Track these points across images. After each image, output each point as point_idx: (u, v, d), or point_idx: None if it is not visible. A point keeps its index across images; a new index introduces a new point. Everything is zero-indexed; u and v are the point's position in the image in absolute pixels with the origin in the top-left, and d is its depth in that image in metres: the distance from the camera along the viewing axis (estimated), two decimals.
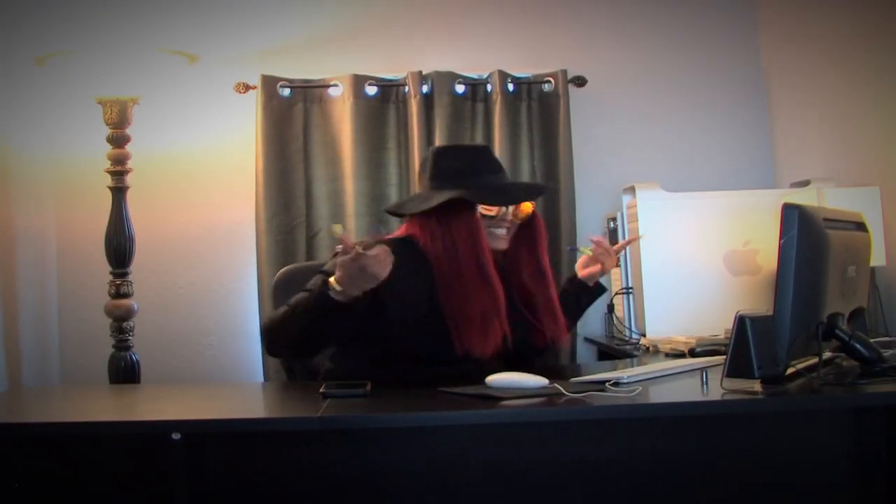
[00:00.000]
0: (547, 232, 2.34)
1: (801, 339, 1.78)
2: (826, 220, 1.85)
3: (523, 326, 2.26)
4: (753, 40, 3.63)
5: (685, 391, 1.98)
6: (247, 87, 3.39)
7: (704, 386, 1.84)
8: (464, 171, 2.24)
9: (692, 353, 2.44)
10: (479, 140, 3.43)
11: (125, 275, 3.11)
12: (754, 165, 3.58)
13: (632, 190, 2.97)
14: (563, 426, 1.89)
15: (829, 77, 3.17)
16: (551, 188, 2.42)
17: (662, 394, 1.94)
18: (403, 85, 3.41)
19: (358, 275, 1.91)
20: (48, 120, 3.33)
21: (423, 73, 3.39)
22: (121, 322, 3.11)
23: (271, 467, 1.84)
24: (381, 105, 3.42)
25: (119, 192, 3.10)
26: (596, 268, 2.45)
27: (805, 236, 1.76)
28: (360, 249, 1.87)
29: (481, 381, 1.94)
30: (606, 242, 2.46)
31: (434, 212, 2.18)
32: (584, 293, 2.48)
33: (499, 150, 3.38)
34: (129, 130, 3.10)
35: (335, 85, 3.40)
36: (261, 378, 3.26)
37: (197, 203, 3.43)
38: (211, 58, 3.30)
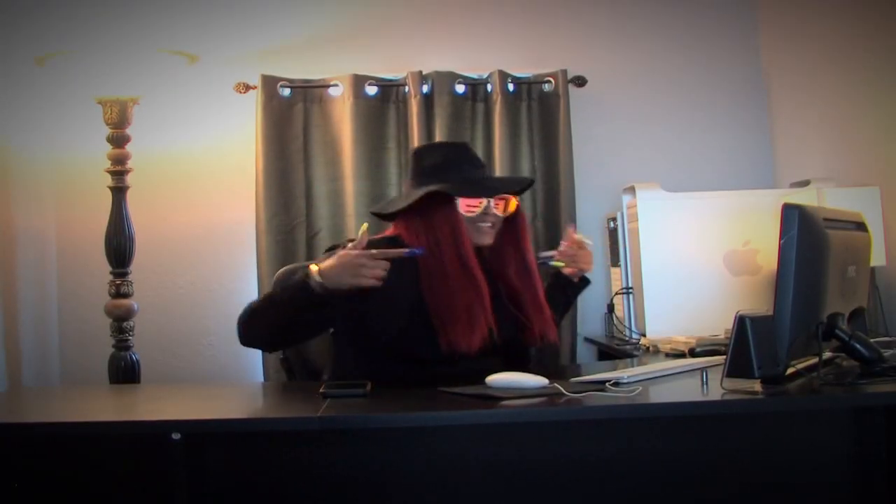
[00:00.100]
0: (530, 227, 2.36)
1: (801, 339, 1.78)
2: (826, 220, 1.85)
3: (514, 324, 2.26)
4: (753, 40, 3.63)
5: (685, 391, 1.98)
6: (247, 87, 3.39)
7: (704, 386, 1.84)
8: (443, 166, 2.25)
9: (692, 353, 2.44)
10: (479, 140, 3.43)
11: (125, 275, 3.11)
12: (754, 165, 3.58)
13: (632, 190, 2.97)
14: (563, 426, 1.89)
15: (829, 77, 3.17)
16: (531, 182, 2.40)
17: (662, 394, 1.94)
18: (403, 85, 3.41)
19: (351, 271, 1.95)
20: (48, 120, 3.33)
21: (424, 73, 3.39)
22: (121, 322, 3.11)
23: (271, 467, 1.84)
24: (382, 105, 3.42)
25: (119, 192, 3.10)
26: (572, 270, 2.44)
27: (805, 236, 1.76)
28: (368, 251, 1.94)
29: (481, 381, 1.94)
30: (573, 246, 2.42)
31: (416, 209, 2.20)
32: (570, 286, 2.48)
33: (499, 150, 3.38)
34: (129, 130, 3.10)
35: (335, 85, 3.40)
36: (261, 378, 3.26)
37: (197, 203, 3.43)
38: (211, 58, 3.30)
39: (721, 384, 1.78)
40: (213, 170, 3.42)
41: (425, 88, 3.38)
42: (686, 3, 3.62)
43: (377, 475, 1.87)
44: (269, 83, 3.36)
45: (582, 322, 3.44)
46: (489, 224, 2.23)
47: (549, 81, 3.46)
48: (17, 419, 2.01)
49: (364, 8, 3.51)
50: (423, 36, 3.54)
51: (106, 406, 2.22)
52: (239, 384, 3.20)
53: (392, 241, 2.20)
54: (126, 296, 3.11)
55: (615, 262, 3.18)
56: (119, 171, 3.08)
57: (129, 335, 3.13)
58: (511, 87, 3.44)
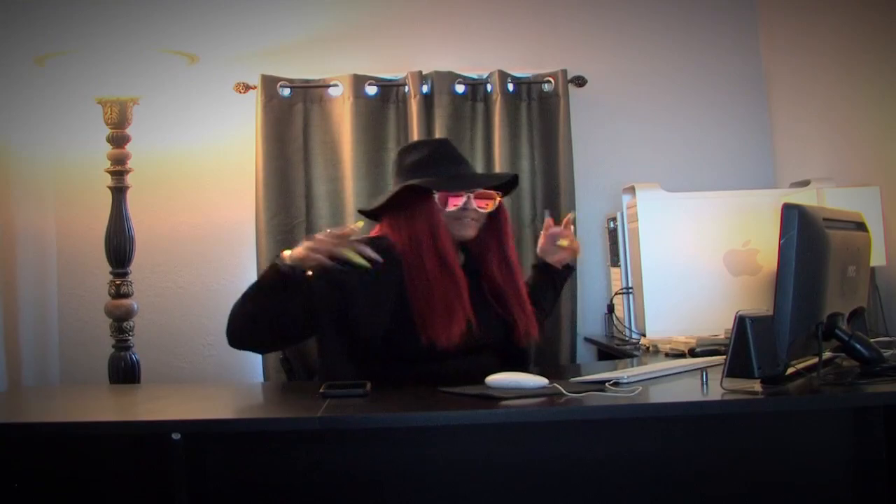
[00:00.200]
0: (511, 224, 2.38)
1: (801, 339, 1.78)
2: (826, 220, 1.85)
3: (500, 321, 2.27)
4: (753, 40, 3.63)
5: (685, 391, 1.98)
6: (247, 87, 3.39)
7: (704, 386, 1.84)
8: (424, 163, 2.27)
9: (692, 353, 2.44)
10: (479, 140, 3.43)
11: (125, 275, 3.11)
12: (754, 165, 3.58)
13: (632, 190, 2.97)
14: (563, 426, 1.89)
15: (829, 77, 3.17)
16: (513, 177, 2.40)
17: (662, 394, 1.94)
18: (403, 85, 3.41)
19: (307, 243, 2.00)
20: (48, 120, 3.33)
21: (423, 73, 3.39)
22: (121, 322, 3.11)
23: (271, 467, 1.84)
24: (381, 105, 3.42)
25: (119, 191, 3.10)
26: (565, 254, 2.46)
27: (805, 236, 1.76)
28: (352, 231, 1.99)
29: (472, 379, 1.94)
30: (563, 227, 2.46)
31: (397, 206, 2.23)
32: (558, 276, 2.50)
33: (499, 150, 3.38)
34: (129, 130, 3.10)
35: (335, 85, 3.40)
36: (261, 378, 3.27)
37: (197, 203, 3.43)
38: (211, 58, 3.30)
39: (721, 384, 1.78)
40: (213, 170, 3.42)
41: (425, 88, 3.38)
42: (686, 3, 3.62)
43: (377, 475, 1.87)
44: (269, 83, 3.36)
45: (582, 322, 3.44)
46: (469, 220, 2.24)
47: (549, 81, 3.46)
48: (17, 419, 2.01)
49: (364, 8, 3.51)
50: (423, 36, 3.54)
51: (106, 406, 2.22)
52: (239, 384, 3.20)
53: (377, 241, 2.21)
54: (126, 296, 3.11)
55: (615, 262, 3.18)
56: (119, 171, 3.08)
57: (129, 335, 3.13)
58: (511, 87, 3.44)
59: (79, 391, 2.81)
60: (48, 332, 3.34)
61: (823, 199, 2.83)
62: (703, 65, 3.61)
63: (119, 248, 3.08)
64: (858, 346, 1.90)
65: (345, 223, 3.32)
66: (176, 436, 1.69)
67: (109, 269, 3.11)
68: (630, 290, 3.07)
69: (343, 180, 3.37)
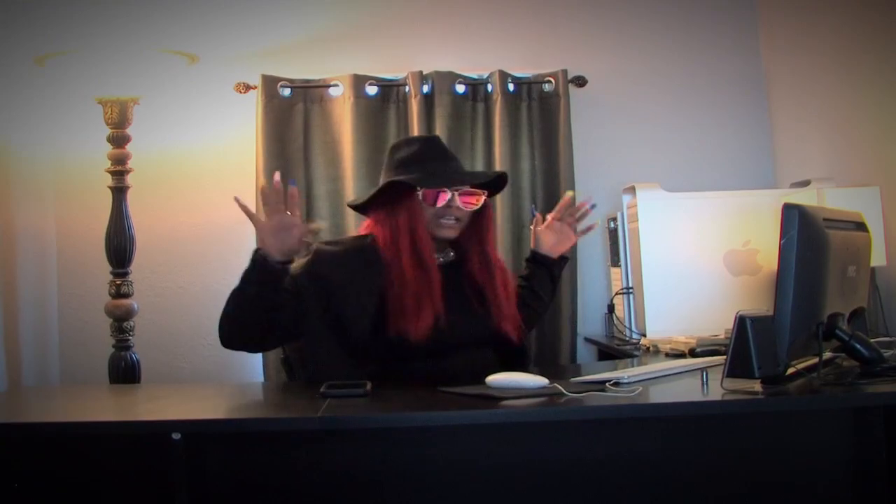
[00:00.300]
0: (495, 224, 2.40)
1: (801, 339, 1.78)
2: (826, 220, 1.85)
3: (485, 321, 2.29)
4: (753, 40, 3.63)
5: (685, 391, 1.98)
6: (247, 87, 3.39)
7: (704, 386, 1.84)
8: (411, 160, 2.30)
9: (692, 353, 2.44)
10: (479, 140, 3.43)
11: (125, 275, 3.11)
12: (754, 165, 3.58)
13: (632, 190, 2.97)
14: (563, 426, 1.89)
15: (829, 77, 3.17)
16: (499, 175, 2.41)
17: (662, 394, 1.94)
18: (404, 85, 3.41)
19: (279, 231, 2.07)
20: (48, 120, 3.33)
21: (424, 73, 3.39)
22: (121, 322, 3.11)
23: (271, 467, 1.84)
24: (382, 105, 3.42)
25: (119, 191, 3.10)
26: (568, 243, 2.50)
27: (805, 236, 1.76)
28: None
29: (472, 378, 1.94)
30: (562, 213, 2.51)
31: (382, 201, 2.27)
32: (555, 266, 2.51)
33: (499, 150, 3.38)
34: (129, 130, 3.10)
35: (335, 85, 3.40)
36: (261, 378, 3.26)
37: (197, 203, 3.43)
38: (211, 58, 3.30)
39: (721, 384, 1.78)
40: (213, 170, 3.42)
41: (425, 88, 3.38)
42: (686, 3, 3.62)
43: (377, 475, 1.87)
44: (269, 83, 3.36)
45: (582, 322, 3.44)
46: (453, 219, 2.26)
47: (549, 81, 3.46)
48: (17, 419, 2.01)
49: (364, 8, 3.51)
50: (423, 36, 3.54)
51: (106, 406, 2.22)
52: (239, 384, 3.20)
53: (362, 239, 2.28)
54: (126, 296, 3.11)
55: (615, 262, 3.18)
56: (119, 171, 3.08)
57: (129, 335, 3.13)
58: (511, 87, 3.44)
59: (79, 391, 2.81)
60: (48, 332, 3.34)
61: (823, 199, 2.83)
62: (703, 65, 3.61)
63: (119, 248, 3.08)
64: (859, 347, 1.90)
65: (345, 223, 3.32)
66: (176, 436, 1.69)
67: (109, 269, 3.11)
68: (630, 290, 3.07)
69: (343, 180, 3.37)
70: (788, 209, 1.77)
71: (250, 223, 3.39)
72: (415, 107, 3.35)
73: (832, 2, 3.14)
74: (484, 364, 2.21)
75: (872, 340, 1.95)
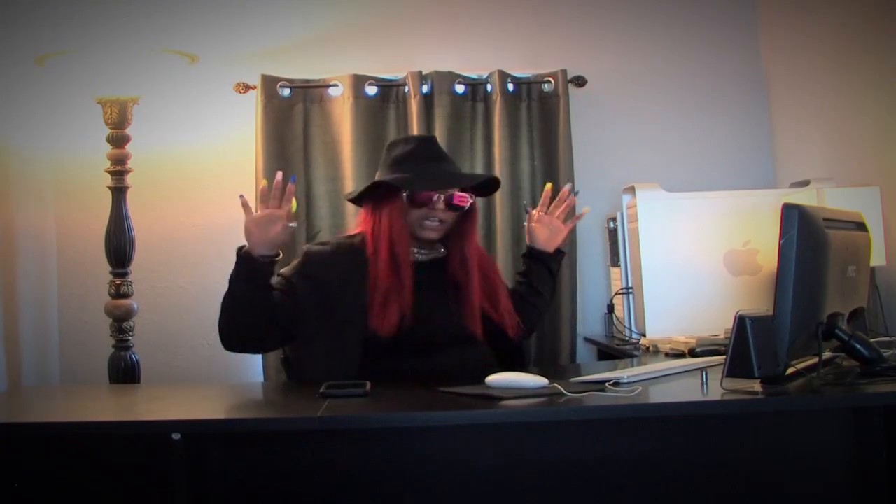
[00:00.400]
0: (479, 226, 2.50)
1: (801, 339, 1.78)
2: (826, 220, 1.85)
3: (466, 321, 2.32)
4: (753, 40, 3.62)
5: (685, 391, 1.98)
6: (247, 87, 3.39)
7: (704, 386, 1.84)
8: (403, 159, 2.34)
9: (692, 353, 2.44)
10: (479, 140, 3.42)
11: (125, 275, 3.11)
12: (754, 165, 3.58)
13: (632, 190, 2.97)
14: (562, 426, 1.89)
15: (829, 77, 3.17)
16: (489, 179, 2.43)
17: (662, 394, 1.94)
18: (403, 85, 3.40)
19: (265, 223, 2.15)
20: (48, 120, 3.33)
21: (423, 73, 3.38)
22: (121, 322, 3.11)
23: (271, 467, 1.84)
24: (381, 105, 3.42)
25: (119, 192, 3.10)
26: (560, 236, 2.52)
27: (805, 236, 1.76)
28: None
29: (477, 378, 1.94)
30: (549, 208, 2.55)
31: (372, 197, 2.33)
32: (551, 261, 2.53)
33: (499, 150, 3.38)
34: (129, 130, 3.10)
35: (335, 85, 3.40)
36: (261, 378, 3.26)
37: (197, 203, 3.43)
38: (211, 58, 3.30)
39: (721, 384, 1.78)
40: (213, 170, 3.42)
41: (425, 88, 3.38)
42: (686, 3, 3.62)
43: (377, 475, 1.87)
44: (269, 83, 3.36)
45: (582, 322, 3.44)
46: (436, 222, 2.30)
47: (549, 81, 3.46)
48: (17, 419, 2.01)
49: (364, 8, 3.51)
50: (423, 36, 3.53)
51: (106, 406, 2.23)
52: (239, 384, 3.20)
53: (348, 239, 2.35)
54: (126, 296, 3.10)
55: (615, 262, 3.18)
56: (119, 171, 3.08)
57: (129, 335, 3.13)
58: (511, 87, 3.44)
59: (79, 391, 2.81)
60: (48, 332, 3.34)
61: (823, 199, 2.83)
62: (703, 65, 3.61)
63: (119, 248, 3.08)
64: (858, 346, 1.90)
65: (345, 223, 3.32)
66: (176, 436, 1.69)
67: (109, 269, 3.10)
68: (630, 290, 3.07)
69: (343, 180, 3.36)
70: (788, 209, 1.77)
71: None
72: (414, 107, 3.35)
73: (832, 2, 3.14)
74: (479, 361, 2.23)
75: (872, 340, 1.95)
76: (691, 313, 2.78)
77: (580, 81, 3.51)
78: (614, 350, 2.98)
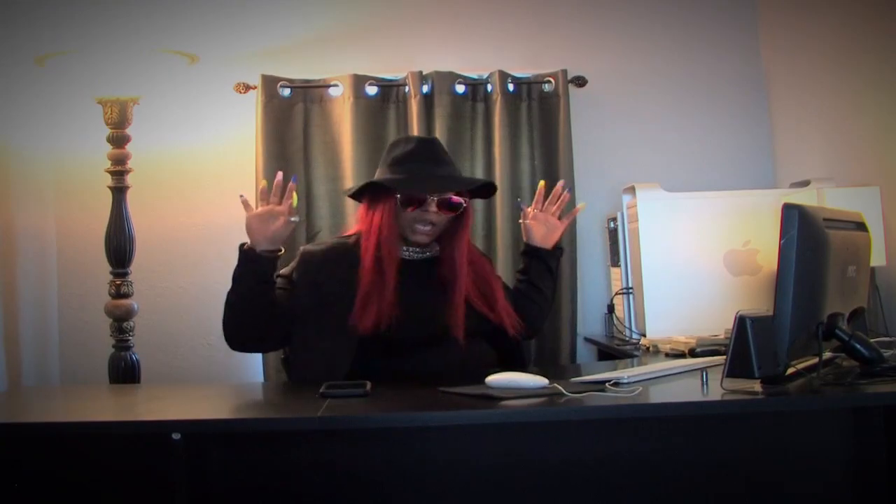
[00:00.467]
0: (471, 230, 2.50)
1: (801, 339, 1.78)
2: (826, 220, 1.85)
3: (485, 321, 2.34)
4: (753, 40, 3.62)
5: (685, 391, 1.98)
6: (247, 87, 3.39)
7: (704, 386, 1.84)
8: (404, 159, 2.34)
9: (692, 353, 2.44)
10: (479, 140, 3.43)
11: (125, 275, 3.11)
12: (754, 165, 3.58)
13: (632, 190, 2.97)
14: (563, 426, 1.89)
15: (829, 77, 3.17)
16: (474, 185, 2.43)
17: (662, 394, 1.94)
18: (403, 85, 3.40)
19: (266, 219, 2.17)
20: (48, 120, 3.33)
21: (424, 73, 3.38)
22: (121, 322, 3.11)
23: (271, 467, 1.84)
24: (382, 105, 3.42)
25: (119, 192, 3.10)
26: (557, 232, 2.53)
27: (805, 236, 1.76)
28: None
29: (478, 377, 1.95)
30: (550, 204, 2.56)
31: (368, 196, 2.35)
32: (550, 257, 2.53)
33: (499, 150, 3.38)
34: (129, 130, 3.10)
35: (335, 85, 3.40)
36: (261, 378, 3.26)
37: (197, 203, 3.43)
38: (211, 58, 3.30)
39: (721, 384, 1.78)
40: (213, 170, 3.42)
41: (425, 88, 3.38)
42: (686, 3, 3.62)
43: (377, 475, 1.87)
44: (269, 83, 3.36)
45: (582, 322, 3.44)
46: (428, 226, 2.31)
47: (549, 81, 3.46)
48: (17, 419, 2.01)
49: (364, 8, 3.51)
50: (423, 36, 3.53)
51: (106, 406, 2.22)
52: (239, 384, 3.20)
53: (342, 239, 2.39)
54: (126, 296, 3.10)
55: (615, 262, 3.18)
56: (119, 171, 3.08)
57: (129, 335, 3.13)
58: (511, 87, 3.44)
59: (79, 391, 2.81)
60: (48, 332, 3.34)
61: (823, 199, 2.83)
62: (703, 65, 3.61)
63: (119, 248, 3.08)
64: (858, 346, 1.90)
65: (345, 223, 3.32)
66: (176, 436, 1.69)
67: (109, 269, 3.10)
68: (630, 290, 3.07)
69: (343, 180, 3.36)
70: (788, 209, 1.77)
71: None
72: (414, 107, 3.35)
73: (832, 2, 3.14)
74: (464, 362, 2.25)
75: (872, 340, 1.95)
76: (691, 313, 2.78)
77: (580, 81, 3.51)
78: (614, 350, 2.98)
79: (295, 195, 2.25)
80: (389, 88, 3.42)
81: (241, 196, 2.24)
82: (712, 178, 3.45)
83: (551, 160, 3.44)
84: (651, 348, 2.73)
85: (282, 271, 2.33)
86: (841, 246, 1.90)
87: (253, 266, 2.18)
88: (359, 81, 3.37)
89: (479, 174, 3.40)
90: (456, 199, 2.32)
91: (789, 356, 1.77)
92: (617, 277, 3.16)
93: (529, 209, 2.54)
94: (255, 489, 1.84)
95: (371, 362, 2.21)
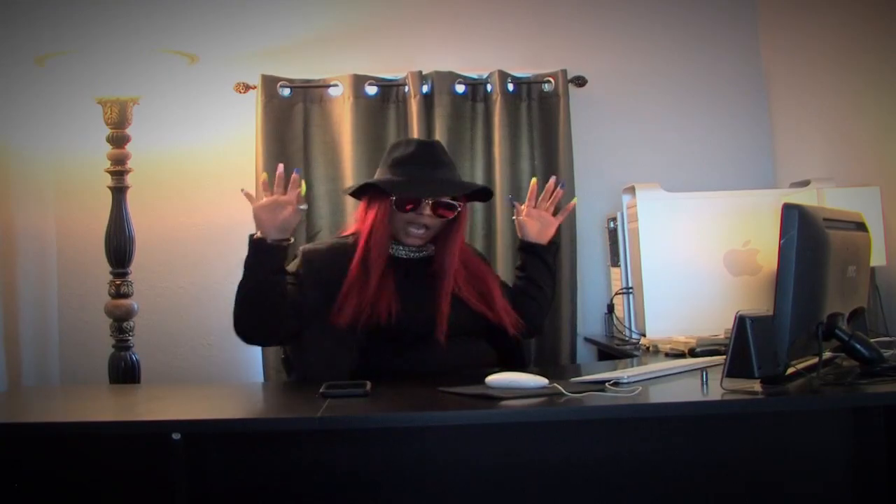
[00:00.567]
0: (466, 234, 2.50)
1: (801, 339, 1.78)
2: (826, 220, 1.85)
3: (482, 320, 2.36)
4: (753, 40, 3.63)
5: (685, 391, 1.98)
6: (247, 87, 3.39)
7: (704, 386, 1.84)
8: (403, 162, 2.36)
9: (692, 353, 2.44)
10: (479, 140, 3.43)
11: (125, 275, 3.11)
12: (754, 165, 3.58)
13: (632, 190, 2.97)
14: (563, 426, 1.89)
15: (829, 77, 3.17)
16: (467, 190, 2.44)
17: (662, 394, 1.94)
18: (403, 85, 3.40)
19: (274, 208, 2.17)
20: (48, 120, 3.33)
21: (423, 73, 3.38)
22: (121, 322, 3.11)
23: (271, 467, 1.84)
24: (381, 105, 3.42)
25: (119, 192, 3.10)
26: (551, 228, 2.54)
27: (805, 236, 1.76)
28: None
29: (478, 375, 1.95)
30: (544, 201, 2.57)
31: (366, 196, 2.38)
32: (545, 252, 2.54)
33: (499, 150, 3.38)
34: (129, 130, 3.10)
35: (335, 85, 3.40)
36: (261, 378, 3.26)
37: (197, 203, 3.43)
38: (211, 58, 3.30)
39: (721, 384, 1.78)
40: (213, 170, 3.42)
41: (425, 88, 3.38)
42: (686, 3, 3.62)
43: (377, 475, 1.87)
44: (269, 83, 3.36)
45: (582, 322, 3.44)
46: (422, 229, 2.33)
47: (549, 81, 3.46)
48: (17, 419, 2.01)
49: (364, 8, 3.51)
50: (423, 36, 3.53)
51: (106, 406, 2.22)
52: (239, 384, 3.20)
53: (340, 240, 2.41)
54: (126, 296, 3.10)
55: (615, 262, 3.18)
56: (119, 171, 3.08)
57: (129, 335, 3.13)
58: (511, 87, 3.44)
59: (79, 391, 2.81)
60: (48, 332, 3.34)
61: (823, 199, 2.83)
62: (703, 65, 3.61)
63: (119, 248, 3.08)
64: (858, 346, 1.90)
65: (345, 223, 3.32)
66: (176, 436, 1.69)
67: (109, 269, 3.11)
68: (630, 290, 3.07)
69: (343, 180, 3.36)
70: (788, 209, 1.77)
71: (250, 222, 3.42)
72: (414, 107, 3.35)
73: (832, 2, 3.14)
74: (478, 358, 2.26)
75: (872, 340, 1.95)
76: (691, 313, 2.78)
77: (580, 81, 3.51)
78: (614, 350, 2.98)
79: (304, 183, 2.26)
80: (389, 88, 3.42)
81: (243, 190, 2.25)
82: (712, 178, 3.45)
83: (551, 160, 3.44)
84: (651, 348, 2.73)
85: (286, 268, 2.32)
86: (841, 246, 1.90)
87: (264, 256, 2.18)
88: (359, 81, 3.37)
89: (479, 174, 3.40)
90: (450, 203, 2.33)
91: (789, 356, 1.77)
92: (617, 277, 3.16)
93: (523, 206, 2.55)
94: (255, 489, 1.84)
95: (370, 360, 2.22)
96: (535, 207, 2.54)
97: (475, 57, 3.49)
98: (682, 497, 1.90)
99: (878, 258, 2.73)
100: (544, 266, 2.52)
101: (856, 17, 2.99)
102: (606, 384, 1.86)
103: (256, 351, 3.27)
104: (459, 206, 2.35)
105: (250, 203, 2.24)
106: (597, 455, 1.89)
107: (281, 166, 2.24)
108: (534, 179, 2.61)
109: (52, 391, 2.95)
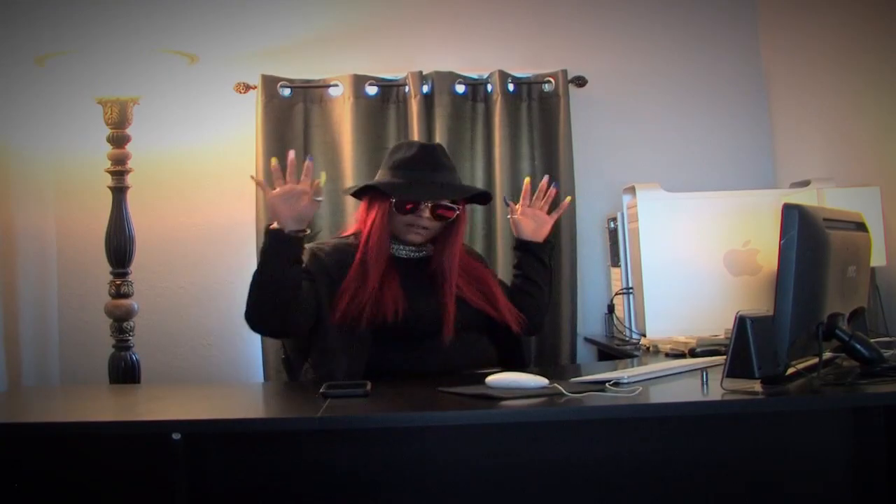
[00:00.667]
0: (463, 233, 2.47)
1: (802, 339, 1.78)
2: (826, 220, 1.85)
3: (482, 317, 2.37)
4: (753, 40, 3.62)
5: (685, 391, 1.98)
6: (247, 87, 3.39)
7: (704, 386, 1.84)
8: (404, 164, 2.37)
9: (692, 353, 2.44)
10: (479, 140, 3.43)
11: (125, 275, 3.11)
12: (754, 165, 3.58)
13: (632, 190, 2.97)
14: (563, 426, 1.89)
15: (829, 77, 3.17)
16: (467, 194, 2.45)
17: (662, 394, 1.94)
18: (404, 85, 3.40)
19: (290, 198, 2.13)
20: (48, 120, 3.33)
21: (424, 73, 3.38)
22: (121, 322, 3.11)
23: (271, 467, 1.84)
24: (382, 105, 3.42)
25: (119, 192, 3.10)
26: (546, 227, 2.55)
27: (805, 236, 1.76)
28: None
29: (479, 373, 1.95)
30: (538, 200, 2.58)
31: (366, 197, 2.39)
32: (540, 250, 2.55)
33: (499, 150, 3.38)
34: (129, 130, 3.10)
35: (335, 85, 3.40)
36: (261, 378, 3.26)
37: (197, 203, 3.43)
38: (211, 58, 3.30)
39: (721, 384, 1.78)
40: (213, 170, 3.42)
41: (425, 88, 3.38)
42: (686, 3, 3.62)
43: (377, 475, 1.87)
44: (269, 83, 3.36)
45: (582, 322, 3.44)
46: (422, 230, 2.35)
47: (549, 81, 3.46)
48: (17, 419, 2.01)
49: (364, 8, 3.51)
50: (423, 36, 3.53)
51: (106, 406, 2.23)
52: (239, 384, 3.20)
53: (343, 240, 2.41)
54: (126, 296, 3.10)
55: (615, 262, 3.18)
56: (119, 171, 3.08)
57: (129, 335, 3.13)
58: (511, 87, 3.44)
59: (79, 391, 2.81)
60: (48, 332, 3.34)
61: (823, 199, 2.83)
62: (703, 65, 3.61)
63: (119, 248, 3.08)
64: (859, 347, 1.90)
65: (345, 223, 3.32)
66: (176, 436, 1.69)
67: (109, 269, 3.10)
68: (630, 291, 3.07)
69: (343, 180, 3.36)
70: (788, 209, 1.77)
71: (250, 222, 3.43)
72: (415, 107, 3.35)
73: (832, 2, 3.14)
74: (478, 357, 2.28)
75: (872, 340, 1.95)
76: (691, 313, 2.78)
77: (580, 81, 3.51)
78: (614, 350, 2.98)
79: (323, 173, 2.25)
80: (389, 88, 3.42)
81: (252, 177, 2.29)
82: (712, 178, 3.45)
83: (551, 160, 3.44)
84: (651, 348, 2.73)
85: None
86: (841, 246, 1.90)
87: (282, 247, 2.14)
88: (359, 81, 3.37)
89: (480, 174, 3.40)
90: (449, 206, 2.34)
91: (789, 356, 1.77)
92: (617, 277, 3.16)
93: (517, 205, 2.56)
94: (255, 489, 1.84)
95: (376, 358, 2.23)
96: (529, 206, 2.55)
97: (475, 57, 3.49)
98: (682, 497, 1.90)
99: (878, 258, 2.73)
100: (540, 264, 2.53)
101: (856, 17, 2.99)
102: (606, 384, 1.86)
103: (256, 351, 3.27)
104: (458, 208, 2.37)
105: (263, 192, 2.23)
106: (597, 455, 1.89)
107: (292, 152, 2.18)
108: (527, 179, 2.62)
109: (52, 391, 2.95)
